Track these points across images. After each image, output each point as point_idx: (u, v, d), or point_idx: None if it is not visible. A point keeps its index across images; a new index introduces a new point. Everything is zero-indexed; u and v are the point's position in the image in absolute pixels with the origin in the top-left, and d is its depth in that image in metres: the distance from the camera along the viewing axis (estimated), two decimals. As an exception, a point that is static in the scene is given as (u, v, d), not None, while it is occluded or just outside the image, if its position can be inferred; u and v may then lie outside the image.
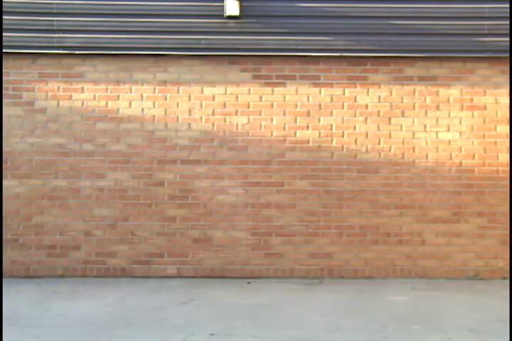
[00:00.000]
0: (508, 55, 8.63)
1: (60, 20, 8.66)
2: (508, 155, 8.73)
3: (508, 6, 8.60)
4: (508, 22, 8.56)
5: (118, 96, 8.77)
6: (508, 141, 8.76)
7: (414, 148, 8.78)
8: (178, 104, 8.78)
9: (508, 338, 5.54)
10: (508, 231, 8.63)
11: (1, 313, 5.85)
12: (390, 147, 8.78)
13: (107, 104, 8.76)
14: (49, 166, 8.70)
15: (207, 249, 8.69)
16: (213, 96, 8.77)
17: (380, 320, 6.19)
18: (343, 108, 8.80)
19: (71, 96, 8.76)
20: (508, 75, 8.73)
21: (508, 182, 8.69)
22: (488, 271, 8.67)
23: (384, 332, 5.73)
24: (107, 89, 8.78)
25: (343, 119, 8.80)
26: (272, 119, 8.76)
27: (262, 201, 8.70)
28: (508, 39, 8.57)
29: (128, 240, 8.67)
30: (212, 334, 5.61)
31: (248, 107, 8.76)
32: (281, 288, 8.02)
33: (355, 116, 8.80)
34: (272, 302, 7.13)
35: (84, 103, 8.76)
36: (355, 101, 8.81)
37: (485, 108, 8.79)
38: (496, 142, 8.77)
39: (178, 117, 8.76)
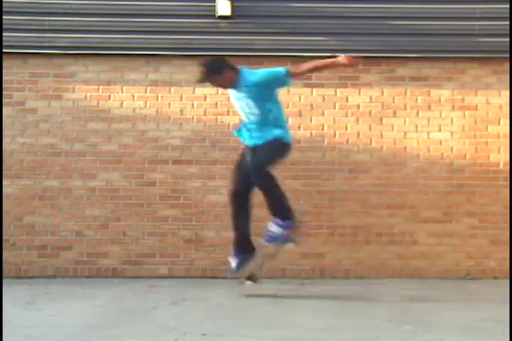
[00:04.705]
0: (498, 55, 8.70)
1: (51, 20, 8.65)
2: (499, 155, 8.76)
3: (499, 6, 8.65)
4: (499, 22, 8.62)
5: (109, 96, 8.76)
6: (499, 140, 8.79)
7: (405, 148, 8.80)
8: (169, 104, 8.78)
9: (500, 337, 5.55)
10: (500, 231, 8.65)
11: (1, 313, 5.82)
12: (382, 147, 8.79)
13: (98, 103, 8.75)
14: (40, 166, 8.68)
15: (199, 249, 8.68)
16: (205, 96, 8.77)
17: (372, 320, 6.19)
18: (334, 108, 8.82)
19: (62, 96, 8.75)
20: (500, 75, 8.77)
21: (499, 182, 8.72)
22: (480, 270, 8.69)
23: (376, 332, 5.73)
24: (98, 89, 8.77)
25: (334, 119, 8.81)
26: (263, 119, 8.74)
27: (254, 201, 8.68)
28: (498, 39, 8.62)
29: (119, 240, 8.65)
30: (204, 334, 5.60)
31: (240, 107, 8.74)
32: (272, 288, 8.01)
33: (346, 116, 8.82)
34: (263, 302, 7.12)
35: (76, 103, 8.75)
36: (347, 101, 8.83)
37: (476, 108, 8.82)
38: (487, 142, 8.80)
39: (169, 117, 8.76)
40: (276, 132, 6.33)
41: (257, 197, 7.23)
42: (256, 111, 6.29)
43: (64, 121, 8.74)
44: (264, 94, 6.20)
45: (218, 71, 6.23)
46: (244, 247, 6.91)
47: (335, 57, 6.54)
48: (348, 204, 8.75)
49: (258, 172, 6.46)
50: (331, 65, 6.39)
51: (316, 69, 6.54)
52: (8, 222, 8.62)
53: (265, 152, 6.54)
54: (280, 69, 6.18)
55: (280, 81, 6.15)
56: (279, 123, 6.37)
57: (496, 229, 8.70)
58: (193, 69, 8.72)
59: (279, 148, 6.47)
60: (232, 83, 6.30)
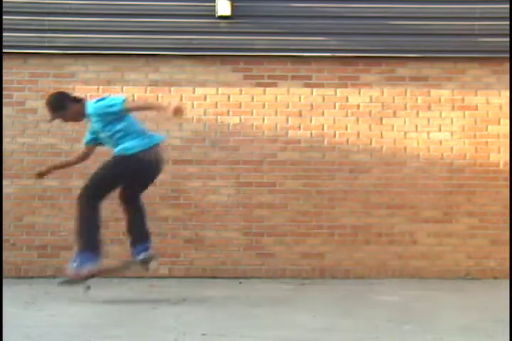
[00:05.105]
0: (498, 55, 8.70)
1: (52, 20, 8.64)
2: (499, 155, 8.76)
3: (499, 6, 8.65)
4: (499, 22, 8.61)
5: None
6: (499, 140, 8.79)
7: (405, 148, 8.79)
8: (169, 104, 8.75)
9: (500, 338, 5.55)
10: (500, 231, 8.66)
11: (1, 313, 5.82)
12: (382, 147, 8.79)
13: (98, 103, 8.73)
14: (40, 166, 8.64)
15: (199, 249, 8.68)
16: (205, 96, 8.77)
17: (372, 320, 6.19)
18: (334, 108, 8.82)
19: (62, 96, 8.73)
20: (500, 75, 8.77)
21: (499, 182, 8.72)
22: (480, 270, 8.69)
23: (376, 332, 5.72)
24: (98, 89, 8.77)
25: (334, 119, 8.81)
26: (263, 119, 8.77)
27: (254, 201, 8.71)
28: (498, 39, 8.62)
29: (119, 240, 8.63)
30: (204, 335, 5.60)
31: (240, 107, 8.77)
32: (272, 288, 8.02)
33: (346, 116, 8.81)
34: (263, 302, 7.12)
35: (76, 103, 8.73)
36: (347, 101, 8.83)
37: (476, 108, 8.82)
38: (487, 142, 8.80)
39: (169, 117, 8.73)
40: (120, 147, 6.54)
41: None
42: (107, 134, 6.49)
43: (64, 121, 8.73)
44: (107, 119, 6.40)
45: (62, 107, 6.36)
46: (92, 247, 6.96)
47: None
48: (348, 204, 8.75)
49: (83, 193, 6.72)
50: (159, 109, 6.64)
51: (147, 108, 6.82)
52: (8, 222, 8.62)
53: (99, 170, 6.78)
54: (116, 103, 6.34)
55: (114, 112, 6.34)
56: (128, 138, 6.55)
57: (496, 229, 8.70)
58: (193, 70, 8.77)
59: (114, 164, 6.65)
60: (81, 115, 6.46)
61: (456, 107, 8.83)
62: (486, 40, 8.73)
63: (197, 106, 8.76)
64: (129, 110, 6.43)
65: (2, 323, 5.52)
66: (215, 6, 8.64)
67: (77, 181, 8.65)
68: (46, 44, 8.66)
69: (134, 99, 8.48)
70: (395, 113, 8.83)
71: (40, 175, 7.35)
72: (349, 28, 8.74)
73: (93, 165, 8.60)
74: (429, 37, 8.77)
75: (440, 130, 8.82)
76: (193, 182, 8.73)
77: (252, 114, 8.77)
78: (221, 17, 8.66)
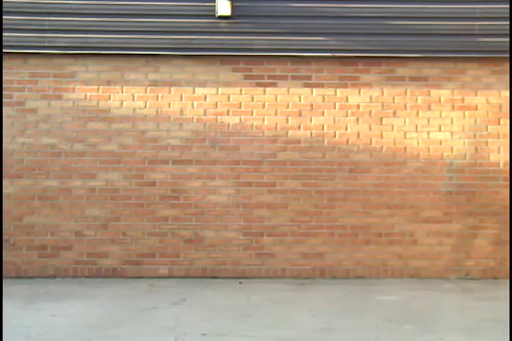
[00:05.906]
0: (498, 55, 8.68)
1: (51, 20, 8.64)
2: (499, 155, 8.75)
3: (499, 6, 8.64)
4: (499, 22, 8.60)
5: (109, 96, 8.76)
6: (499, 140, 8.78)
7: (405, 148, 8.79)
8: (169, 104, 8.77)
9: (500, 338, 5.56)
10: (500, 231, 8.65)
11: (1, 313, 5.83)
12: (382, 147, 8.79)
13: (98, 103, 8.75)
14: (40, 166, 8.68)
15: (198, 249, 8.68)
16: (205, 96, 8.76)
17: (372, 320, 6.20)
18: (334, 108, 8.81)
19: (62, 96, 8.74)
20: (500, 75, 8.76)
21: (499, 182, 8.71)
22: (479, 270, 8.69)
23: (376, 332, 5.73)
24: (98, 89, 8.76)
25: (334, 119, 8.80)
26: (263, 119, 8.76)
27: (254, 201, 8.70)
28: (498, 39, 8.61)
29: (119, 240, 8.65)
30: (203, 334, 5.61)
31: (240, 107, 8.76)
32: (272, 288, 8.02)
33: (346, 116, 8.81)
34: (263, 302, 7.13)
35: (76, 103, 8.75)
36: (347, 101, 8.82)
37: (476, 108, 8.82)
38: (487, 142, 8.80)
39: (169, 117, 8.75)
40: None
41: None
42: None
43: (64, 121, 8.74)
44: None
45: None
46: None
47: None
48: (348, 204, 8.75)
49: None
50: None
51: None
52: (8, 222, 8.62)
53: None
54: None
55: None
56: None
57: (495, 229, 8.70)
58: (193, 70, 8.78)
59: None
60: None
61: (456, 107, 8.83)
62: (486, 40, 8.73)
63: (197, 106, 8.76)
64: None
65: (2, 323, 5.52)
66: (215, 6, 8.65)
67: (77, 181, 8.67)
68: (46, 44, 8.66)
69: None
70: (395, 113, 8.83)
71: None
72: (349, 28, 8.74)
73: (93, 165, 8.66)
74: (429, 37, 8.76)
75: (440, 130, 8.82)
76: (193, 182, 8.73)
77: (252, 114, 8.77)
78: (221, 17, 8.66)
